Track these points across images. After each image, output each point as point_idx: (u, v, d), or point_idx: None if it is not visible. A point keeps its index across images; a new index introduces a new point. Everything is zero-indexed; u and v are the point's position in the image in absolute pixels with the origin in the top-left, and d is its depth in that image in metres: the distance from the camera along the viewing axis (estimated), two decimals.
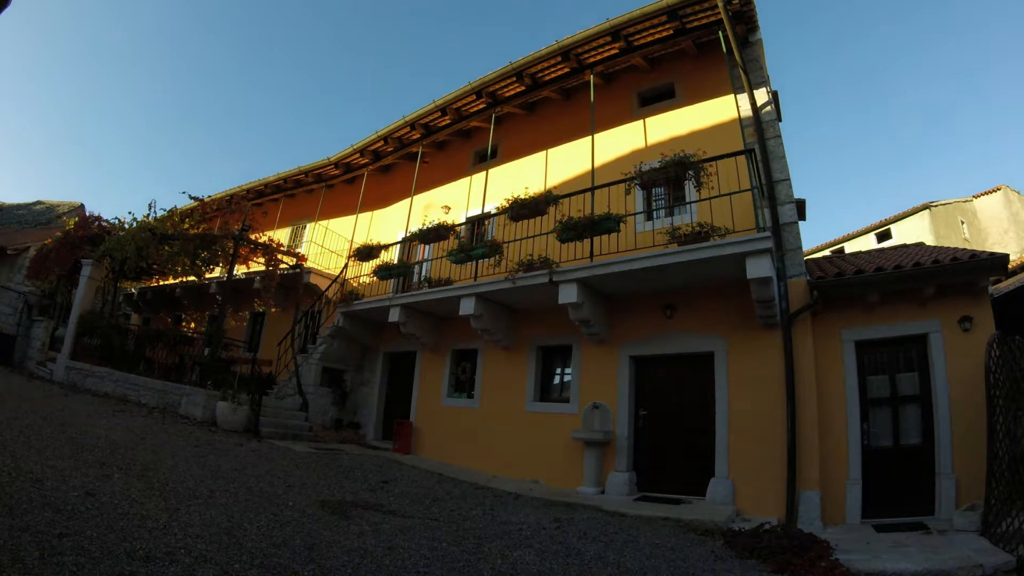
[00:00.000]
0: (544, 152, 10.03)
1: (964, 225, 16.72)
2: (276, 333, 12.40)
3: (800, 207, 8.25)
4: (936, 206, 16.28)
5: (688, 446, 6.89)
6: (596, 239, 7.14)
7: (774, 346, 6.40)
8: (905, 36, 79.87)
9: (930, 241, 14.69)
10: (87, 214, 14.46)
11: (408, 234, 10.34)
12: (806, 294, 6.45)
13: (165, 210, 11.88)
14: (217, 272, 12.72)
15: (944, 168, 75.49)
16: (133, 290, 15.54)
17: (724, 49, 7.41)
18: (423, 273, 10.19)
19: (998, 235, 16.43)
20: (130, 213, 29.14)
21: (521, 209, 7.81)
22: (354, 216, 12.59)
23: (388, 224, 12.51)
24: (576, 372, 7.95)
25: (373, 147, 11.72)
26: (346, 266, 11.17)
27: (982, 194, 17.37)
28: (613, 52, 8.44)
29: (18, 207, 20.44)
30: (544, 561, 3.78)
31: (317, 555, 3.26)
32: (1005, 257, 5.97)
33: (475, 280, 8.24)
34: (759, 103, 7.32)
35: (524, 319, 8.76)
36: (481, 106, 9.98)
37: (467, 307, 8.03)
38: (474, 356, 9.39)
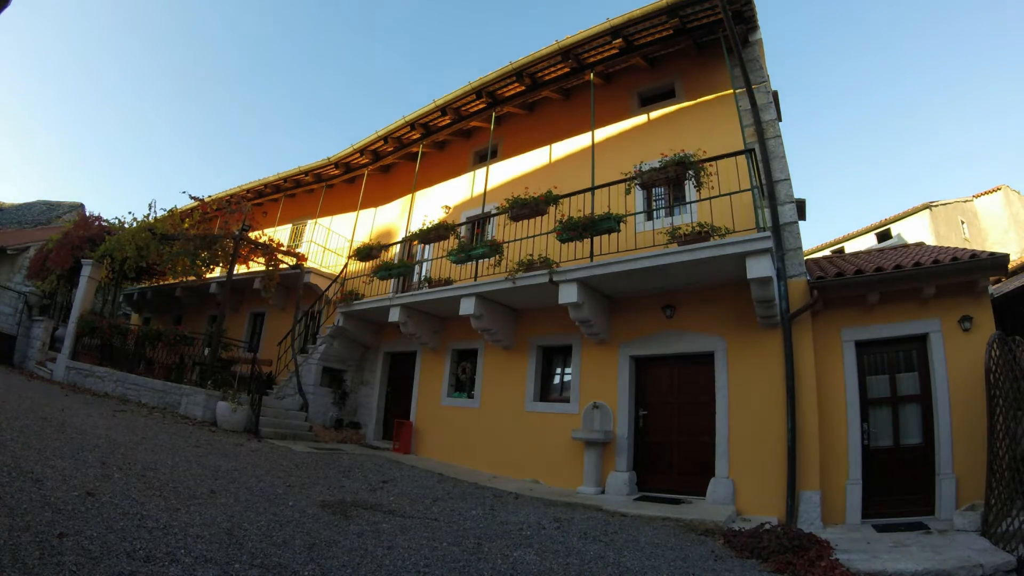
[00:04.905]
0: (544, 152, 10.03)
1: (964, 225, 16.71)
2: (276, 333, 12.40)
3: (800, 207, 8.25)
4: (936, 206, 16.26)
5: (688, 446, 6.90)
6: (596, 239, 7.14)
7: (774, 346, 6.40)
8: (906, 36, 79.89)
9: (930, 241, 14.68)
10: (87, 214, 14.45)
11: (408, 234, 10.34)
12: (806, 294, 6.44)
13: (165, 210, 11.90)
14: (217, 272, 12.73)
15: (944, 168, 75.53)
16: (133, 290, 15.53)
17: (724, 49, 7.41)
18: (423, 273, 10.18)
19: (998, 235, 16.42)
20: (130, 213, 29.21)
21: (521, 209, 7.81)
22: (354, 216, 12.59)
23: (388, 224, 12.51)
24: (576, 372, 7.95)
25: (373, 147, 11.71)
26: (346, 266, 11.17)
27: (982, 194, 17.35)
28: (613, 52, 8.43)
29: (18, 207, 20.44)
30: (544, 561, 3.78)
31: (317, 555, 3.26)
32: (1005, 257, 5.96)
33: (475, 280, 8.24)
34: (759, 103, 7.32)
35: (524, 319, 8.76)
36: (481, 106, 9.97)
37: (467, 307, 8.03)
38: (474, 356, 9.39)
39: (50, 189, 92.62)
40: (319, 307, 11.58)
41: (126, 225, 11.57)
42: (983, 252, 6.24)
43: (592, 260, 6.97)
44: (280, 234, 14.05)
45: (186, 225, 11.47)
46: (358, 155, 12.11)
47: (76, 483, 3.80)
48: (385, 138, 11.25)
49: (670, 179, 6.75)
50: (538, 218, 7.88)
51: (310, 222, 13.94)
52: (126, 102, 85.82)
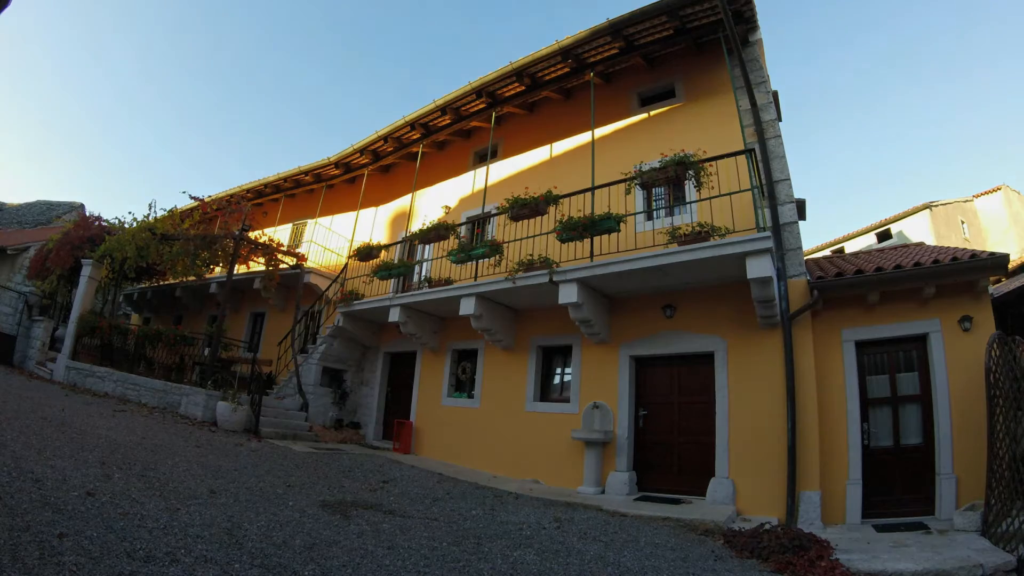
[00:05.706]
0: (544, 151, 10.02)
1: (964, 225, 16.72)
2: (276, 333, 12.40)
3: (800, 207, 8.25)
4: (936, 206, 16.27)
5: (688, 446, 6.90)
6: (596, 239, 7.14)
7: (774, 346, 6.40)
8: (905, 36, 79.87)
9: (930, 241, 14.69)
10: (87, 214, 14.44)
11: (408, 234, 10.33)
12: (806, 294, 6.44)
13: (165, 210, 11.91)
14: (217, 272, 12.72)
15: (944, 168, 75.51)
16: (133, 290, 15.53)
17: (724, 49, 7.41)
18: (423, 273, 10.18)
19: (998, 235, 16.43)
20: (130, 213, 29.25)
21: (521, 209, 7.81)
22: (354, 216, 12.59)
23: (388, 224, 12.51)
24: (576, 372, 7.95)
25: (373, 147, 11.71)
26: (346, 266, 11.17)
27: (982, 194, 17.37)
28: (613, 52, 8.43)
29: (18, 207, 20.44)
30: (544, 561, 3.78)
31: (317, 555, 3.26)
32: (1005, 257, 5.96)
33: (475, 280, 8.24)
34: (759, 103, 7.32)
35: (524, 319, 8.76)
36: (481, 106, 9.97)
37: (467, 307, 8.03)
38: (474, 356, 9.39)
39: (50, 189, 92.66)
40: (319, 307, 11.58)
41: (126, 225, 11.57)
42: (983, 252, 6.24)
43: (592, 260, 6.97)
44: (280, 234, 14.05)
45: (186, 225, 11.47)
46: (358, 155, 12.10)
47: (76, 483, 3.80)
48: (385, 138, 11.25)
49: (670, 179, 6.75)
50: (538, 218, 7.88)
51: (310, 222, 13.94)
52: (126, 102, 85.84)
